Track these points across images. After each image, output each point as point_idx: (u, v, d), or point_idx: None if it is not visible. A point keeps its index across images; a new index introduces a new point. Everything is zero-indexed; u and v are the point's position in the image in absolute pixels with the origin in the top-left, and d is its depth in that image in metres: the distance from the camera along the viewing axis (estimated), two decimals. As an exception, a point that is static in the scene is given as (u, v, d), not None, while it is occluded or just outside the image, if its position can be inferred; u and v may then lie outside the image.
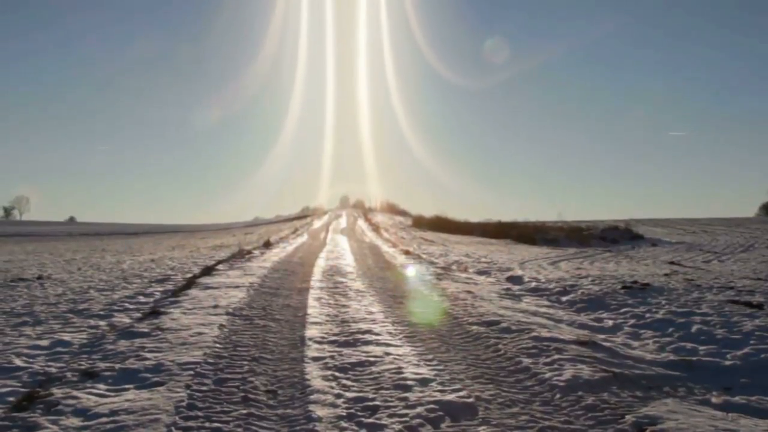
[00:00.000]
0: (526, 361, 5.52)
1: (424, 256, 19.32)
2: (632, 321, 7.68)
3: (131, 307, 8.46)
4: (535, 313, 8.25)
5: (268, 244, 24.37)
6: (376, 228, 43.32)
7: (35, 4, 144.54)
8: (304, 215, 75.26)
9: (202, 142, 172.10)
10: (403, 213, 67.28)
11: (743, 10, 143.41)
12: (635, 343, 6.63)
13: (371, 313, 7.98)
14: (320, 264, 15.74)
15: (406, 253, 21.04)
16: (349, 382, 4.90)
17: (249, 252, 19.56)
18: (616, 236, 34.83)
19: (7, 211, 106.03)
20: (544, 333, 6.57)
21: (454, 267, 15.37)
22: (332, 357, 5.64)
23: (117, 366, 5.27)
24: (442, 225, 44.41)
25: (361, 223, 51.50)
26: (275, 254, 19.18)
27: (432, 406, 4.30)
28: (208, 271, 13.10)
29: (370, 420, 4.09)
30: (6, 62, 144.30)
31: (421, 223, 48.60)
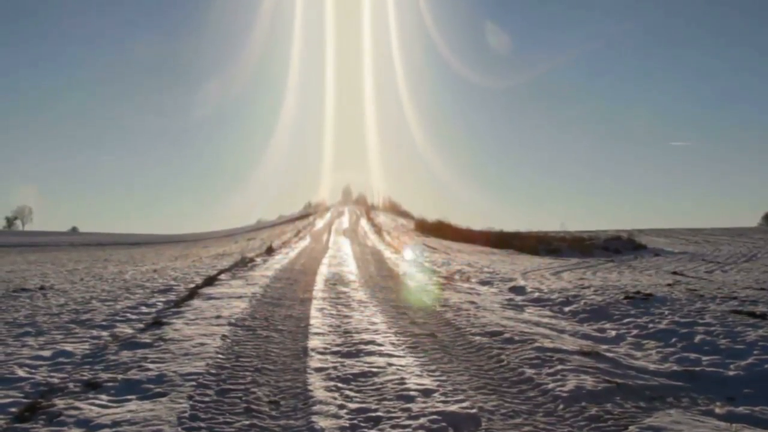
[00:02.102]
0: (529, 371, 5.50)
1: (426, 264, 19.34)
2: (635, 331, 7.67)
3: (134, 317, 8.46)
4: (537, 324, 8.23)
5: (270, 251, 24.46)
6: (378, 230, 43.32)
7: (36, 9, 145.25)
8: (307, 213, 74.52)
9: (201, 147, 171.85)
10: (406, 214, 66.74)
11: (746, 20, 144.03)
12: (638, 354, 6.61)
13: (374, 323, 7.97)
14: (322, 272, 15.76)
15: (409, 260, 21.09)
16: (351, 393, 4.89)
17: (251, 260, 19.59)
18: (619, 246, 34.82)
19: (10, 221, 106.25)
20: (547, 343, 6.55)
21: (456, 276, 15.36)
22: (335, 368, 5.63)
23: (119, 377, 5.27)
24: (445, 231, 44.30)
25: (364, 224, 51.49)
26: (277, 261, 19.22)
27: (435, 417, 4.29)
28: (210, 281, 13.11)
29: (373, 431, 4.08)
30: (7, 70, 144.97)
31: (423, 228, 48.47)
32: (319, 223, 53.78)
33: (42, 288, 12.48)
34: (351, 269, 16.91)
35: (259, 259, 20.06)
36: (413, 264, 19.44)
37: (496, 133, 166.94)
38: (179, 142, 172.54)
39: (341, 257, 21.54)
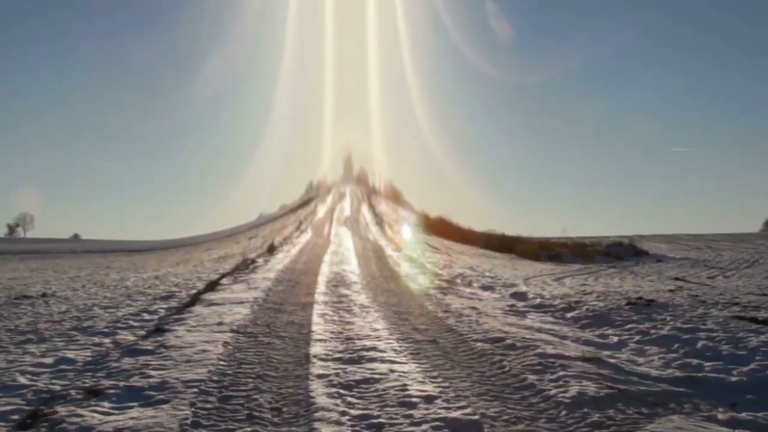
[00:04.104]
0: (531, 377, 5.50)
1: (428, 265, 19.35)
2: (637, 337, 7.66)
3: (135, 324, 8.46)
4: (539, 330, 8.23)
5: (272, 249, 24.68)
6: (379, 221, 43.44)
7: (37, 13, 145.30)
8: (309, 199, 72.84)
9: (201, 141, 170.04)
10: (407, 205, 65.82)
11: (747, 26, 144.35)
12: (640, 360, 6.60)
13: (376, 329, 7.97)
14: (324, 272, 15.81)
15: (410, 260, 21.13)
16: (353, 400, 4.89)
17: (253, 261, 19.65)
18: (621, 252, 34.73)
19: (12, 229, 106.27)
20: (549, 350, 6.55)
21: (458, 280, 15.35)
22: (337, 374, 5.63)
23: (121, 384, 5.27)
24: (446, 230, 44.03)
25: (365, 212, 51.52)
26: (279, 261, 19.32)
27: (437, 423, 4.29)
28: (212, 286, 13.10)
29: (375, 437, 4.08)
30: (7, 77, 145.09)
31: (425, 224, 48.16)
32: (321, 211, 53.80)
33: (44, 295, 12.49)
34: (352, 268, 16.95)
35: (260, 260, 20.12)
36: (415, 264, 19.46)
37: (499, 129, 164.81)
38: (179, 140, 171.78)
39: (342, 253, 21.60)
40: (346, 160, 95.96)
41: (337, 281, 13.84)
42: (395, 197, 72.66)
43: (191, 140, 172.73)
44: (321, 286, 12.81)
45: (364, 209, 54.71)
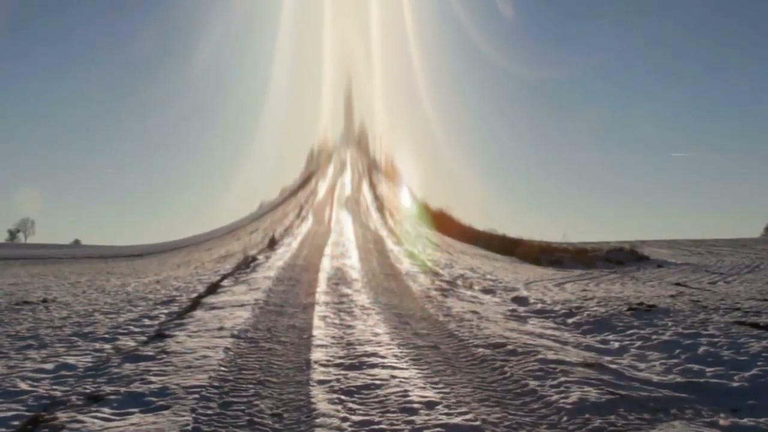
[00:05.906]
0: (533, 383, 5.49)
1: (429, 263, 19.38)
2: (638, 343, 7.65)
3: (136, 330, 8.46)
4: (540, 335, 8.22)
5: (272, 243, 24.92)
6: (380, 206, 43.63)
7: (36, 18, 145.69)
8: (308, 176, 71.14)
9: (200, 133, 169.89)
10: (408, 190, 64.67)
11: (749, 31, 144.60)
12: (642, 365, 6.59)
13: (377, 334, 7.96)
14: (325, 267, 15.88)
15: (411, 256, 21.19)
16: (354, 406, 4.88)
17: (254, 258, 19.70)
18: (622, 258, 34.61)
19: (12, 234, 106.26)
20: (551, 355, 6.54)
21: (459, 282, 15.35)
22: (338, 380, 5.62)
23: (122, 389, 5.27)
24: (447, 225, 43.72)
25: (366, 192, 51.71)
26: (279, 257, 19.51)
27: (439, 429, 4.28)
28: (213, 288, 13.09)
29: (376, 444, 4.07)
30: (7, 82, 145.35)
31: (425, 215, 47.88)
32: (321, 190, 54.00)
33: (44, 301, 12.48)
34: (353, 263, 16.98)
35: (261, 257, 20.19)
36: (415, 262, 19.48)
37: (496, 119, 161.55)
38: (178, 137, 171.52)
39: (343, 244, 21.70)
40: (346, 100, 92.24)
41: (338, 279, 13.84)
42: (395, 177, 71.27)
43: (190, 135, 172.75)
44: (322, 285, 12.81)
45: (365, 188, 54.52)
